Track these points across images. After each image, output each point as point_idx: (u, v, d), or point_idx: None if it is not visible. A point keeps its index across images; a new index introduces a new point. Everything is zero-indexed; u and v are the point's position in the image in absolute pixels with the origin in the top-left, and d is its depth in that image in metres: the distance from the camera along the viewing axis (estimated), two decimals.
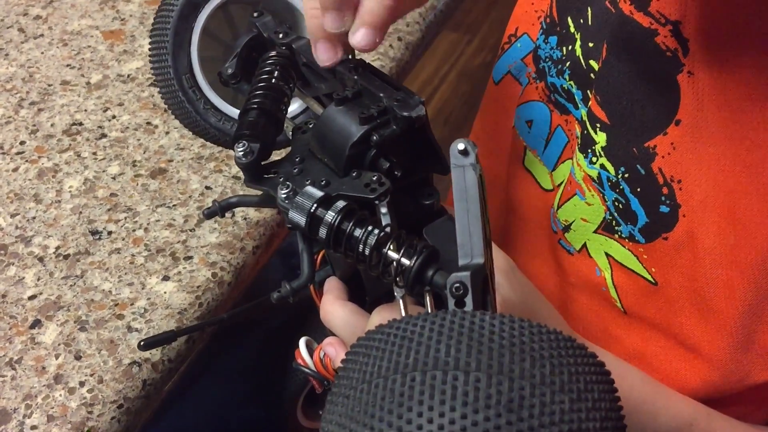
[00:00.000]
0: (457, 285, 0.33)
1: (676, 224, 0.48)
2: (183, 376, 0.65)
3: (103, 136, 0.76)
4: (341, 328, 0.47)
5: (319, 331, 0.76)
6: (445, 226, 0.45)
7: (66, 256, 0.67)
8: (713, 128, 0.45)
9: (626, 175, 0.50)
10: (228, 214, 0.70)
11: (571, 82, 0.55)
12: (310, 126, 0.48)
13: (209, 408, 0.79)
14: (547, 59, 0.57)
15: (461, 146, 0.34)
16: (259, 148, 0.44)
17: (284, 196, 0.42)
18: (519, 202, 0.62)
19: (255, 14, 0.52)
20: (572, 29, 0.54)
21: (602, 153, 0.51)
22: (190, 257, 0.67)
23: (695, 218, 0.47)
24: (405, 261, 0.37)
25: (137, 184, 0.72)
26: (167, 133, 0.77)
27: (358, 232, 0.39)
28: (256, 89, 0.47)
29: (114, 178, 0.73)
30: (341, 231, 0.39)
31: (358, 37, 0.43)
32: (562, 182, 0.57)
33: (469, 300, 0.33)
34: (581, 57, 0.53)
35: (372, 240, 0.39)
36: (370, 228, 0.39)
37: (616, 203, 0.51)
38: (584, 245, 0.55)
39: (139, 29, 0.87)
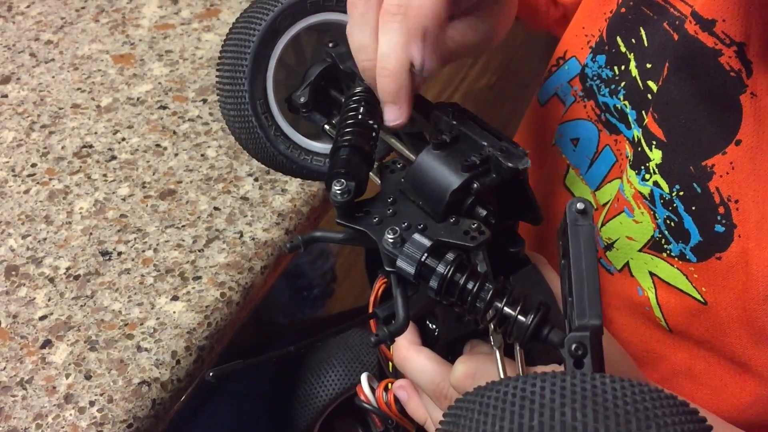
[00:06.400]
0: (576, 345, 0.33)
1: (730, 244, 0.48)
2: (193, 397, 0.65)
3: (113, 158, 0.77)
4: (419, 375, 0.47)
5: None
6: (532, 275, 0.45)
7: (76, 277, 0.68)
8: None
9: (681, 193, 0.49)
10: (236, 234, 0.71)
11: (626, 102, 0.55)
12: (398, 165, 0.47)
13: (220, 430, 0.79)
14: (595, 78, 0.57)
15: (580, 206, 0.35)
16: (354, 186, 0.44)
17: (391, 242, 0.41)
18: (557, 221, 0.62)
19: (330, 44, 0.52)
20: (623, 49, 0.55)
21: (656, 170, 0.50)
22: (199, 277, 0.68)
23: (751, 239, 0.47)
24: (521, 318, 0.37)
25: (147, 206, 0.73)
26: (176, 154, 0.78)
27: (470, 285, 0.39)
28: (346, 126, 0.46)
29: (124, 200, 0.74)
30: (454, 282, 0.39)
31: (386, 117, 0.44)
32: (607, 202, 0.57)
33: (588, 361, 0.33)
34: (638, 77, 0.53)
35: (486, 294, 0.39)
36: (482, 281, 0.39)
37: (668, 221, 0.51)
38: (626, 264, 0.54)
39: (149, 53, 0.88)
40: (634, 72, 0.54)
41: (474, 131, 0.45)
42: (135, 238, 0.70)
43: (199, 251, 0.69)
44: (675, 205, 0.50)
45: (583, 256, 0.35)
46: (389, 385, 0.53)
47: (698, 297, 0.50)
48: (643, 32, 0.53)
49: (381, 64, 0.43)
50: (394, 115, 0.44)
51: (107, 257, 0.69)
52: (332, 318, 1.18)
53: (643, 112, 0.53)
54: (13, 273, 0.68)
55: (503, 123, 1.82)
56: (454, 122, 0.45)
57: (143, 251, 0.69)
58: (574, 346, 0.33)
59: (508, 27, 0.48)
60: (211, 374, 0.56)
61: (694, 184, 0.49)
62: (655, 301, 0.53)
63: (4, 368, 0.62)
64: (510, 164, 0.42)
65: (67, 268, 0.68)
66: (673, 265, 0.51)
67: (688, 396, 0.54)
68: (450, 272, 0.39)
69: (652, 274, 0.53)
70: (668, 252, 0.51)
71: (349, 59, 0.51)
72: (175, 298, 0.66)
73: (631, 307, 0.55)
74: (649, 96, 0.52)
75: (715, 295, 0.49)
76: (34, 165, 0.77)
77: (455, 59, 0.46)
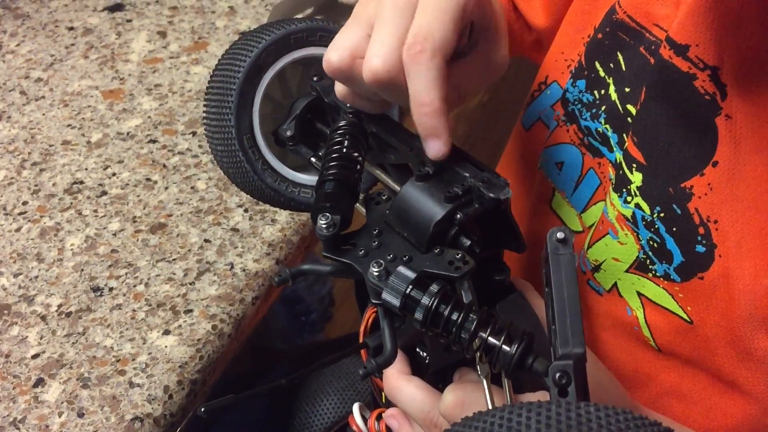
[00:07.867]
0: (560, 374, 0.33)
1: (712, 264, 0.48)
2: (187, 430, 0.65)
3: (104, 193, 0.78)
4: (409, 404, 0.47)
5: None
6: (518, 303, 0.46)
7: (68, 314, 0.68)
8: (750, 170, 0.46)
9: (662, 215, 0.50)
10: (226, 266, 0.71)
11: (607, 126, 0.56)
12: (383, 197, 0.48)
13: None
14: (576, 102, 0.58)
15: (560, 235, 0.35)
16: (339, 219, 0.44)
17: (376, 274, 0.42)
18: (543, 244, 0.62)
19: (315, 78, 0.53)
20: (602, 73, 0.56)
21: (637, 192, 0.51)
22: (191, 310, 0.68)
23: (731, 259, 0.47)
24: (506, 348, 0.38)
25: (137, 240, 0.73)
26: (166, 188, 0.78)
27: (455, 316, 0.39)
28: (330, 159, 0.47)
29: (114, 235, 0.74)
30: (438, 314, 0.39)
31: (430, 152, 0.44)
32: (592, 224, 0.57)
33: (572, 389, 0.33)
34: (618, 101, 0.54)
35: (470, 325, 0.39)
36: (466, 312, 0.39)
37: (651, 242, 0.51)
38: (614, 285, 0.55)
39: (138, 88, 0.89)
40: (614, 96, 0.55)
41: (456, 162, 0.45)
42: (126, 273, 0.71)
43: (190, 284, 0.70)
44: (657, 226, 0.51)
45: (564, 285, 0.35)
46: (381, 414, 0.53)
47: (684, 316, 0.51)
48: (620, 57, 0.54)
49: (418, 101, 0.42)
50: (437, 147, 0.44)
51: (99, 293, 0.69)
52: (330, 343, 1.18)
53: (624, 135, 0.54)
54: (5, 312, 0.68)
55: (497, 142, 1.83)
56: None
57: (134, 286, 0.70)
58: (558, 375, 0.33)
59: (503, 64, 0.48)
60: (202, 410, 0.56)
61: (674, 206, 0.49)
62: (643, 320, 0.53)
63: None
64: (492, 194, 0.43)
65: (59, 306, 0.68)
66: (659, 285, 0.52)
67: (679, 416, 0.54)
68: (434, 304, 0.39)
69: (639, 294, 0.53)
70: (653, 272, 0.52)
71: (333, 92, 0.52)
72: (166, 333, 0.66)
73: (620, 327, 0.56)
74: (629, 119, 0.53)
75: (700, 314, 0.50)
76: (25, 203, 0.77)
77: (460, 104, 0.46)
